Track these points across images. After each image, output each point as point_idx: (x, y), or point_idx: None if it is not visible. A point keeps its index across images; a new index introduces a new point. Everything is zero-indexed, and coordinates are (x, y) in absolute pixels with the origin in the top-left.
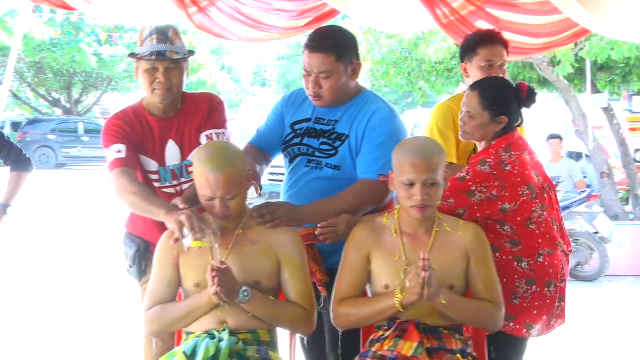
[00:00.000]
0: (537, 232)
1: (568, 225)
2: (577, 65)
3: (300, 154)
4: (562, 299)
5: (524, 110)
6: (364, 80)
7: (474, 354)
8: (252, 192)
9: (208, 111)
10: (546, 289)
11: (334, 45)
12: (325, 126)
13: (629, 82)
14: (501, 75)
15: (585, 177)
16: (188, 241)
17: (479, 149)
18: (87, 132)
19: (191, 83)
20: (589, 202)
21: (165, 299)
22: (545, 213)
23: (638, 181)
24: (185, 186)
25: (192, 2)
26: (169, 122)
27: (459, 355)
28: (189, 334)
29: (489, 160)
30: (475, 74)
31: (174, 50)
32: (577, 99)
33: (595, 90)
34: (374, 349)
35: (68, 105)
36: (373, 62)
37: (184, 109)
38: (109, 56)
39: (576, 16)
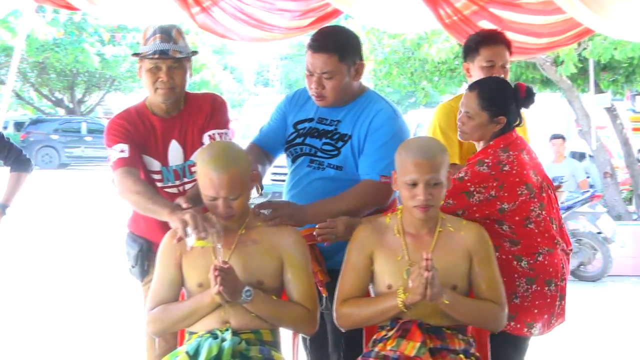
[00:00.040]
0: (536, 231)
1: (571, 225)
2: (580, 65)
3: (302, 153)
4: (563, 297)
5: (527, 110)
6: (366, 80)
7: (477, 354)
8: (252, 192)
9: (211, 111)
10: (546, 288)
11: (337, 45)
12: (328, 126)
13: (632, 82)
14: (502, 76)
15: (588, 177)
16: (191, 240)
17: (478, 149)
18: (90, 132)
19: (194, 83)
20: (592, 202)
21: (168, 299)
22: (543, 212)
23: None
24: (187, 186)
25: (195, 2)
26: (172, 122)
27: (461, 355)
28: (191, 333)
29: (487, 160)
30: (477, 73)
31: (177, 49)
32: (580, 98)
33: (599, 90)
34: (376, 349)
35: (71, 105)
36: (376, 62)
37: (186, 109)
38: (112, 56)
39: (579, 16)
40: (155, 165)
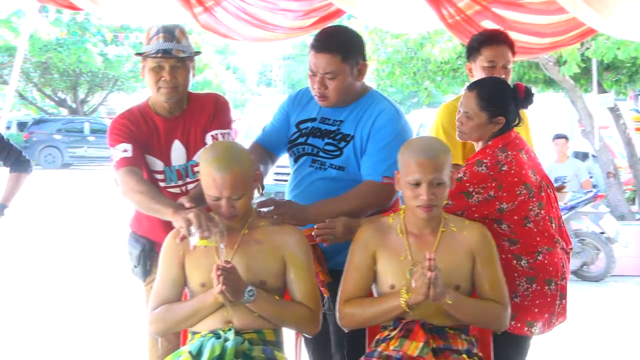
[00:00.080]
0: (535, 230)
1: (574, 225)
2: (583, 65)
3: (304, 153)
4: (563, 296)
5: (529, 111)
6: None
7: (480, 354)
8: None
9: (213, 111)
10: (546, 287)
11: (339, 45)
12: (330, 126)
13: (635, 82)
14: (503, 76)
15: (591, 177)
16: (194, 239)
17: (476, 149)
18: (93, 131)
19: (197, 83)
20: (595, 202)
21: (170, 299)
22: (542, 211)
23: None
24: (190, 186)
25: (198, 2)
26: (175, 121)
27: (464, 356)
28: (194, 333)
29: (485, 160)
30: (478, 74)
31: (180, 48)
32: (583, 98)
33: (602, 90)
34: (379, 349)
35: (74, 105)
36: (378, 61)
37: (189, 109)
38: (115, 56)
39: (582, 16)
40: (158, 165)
